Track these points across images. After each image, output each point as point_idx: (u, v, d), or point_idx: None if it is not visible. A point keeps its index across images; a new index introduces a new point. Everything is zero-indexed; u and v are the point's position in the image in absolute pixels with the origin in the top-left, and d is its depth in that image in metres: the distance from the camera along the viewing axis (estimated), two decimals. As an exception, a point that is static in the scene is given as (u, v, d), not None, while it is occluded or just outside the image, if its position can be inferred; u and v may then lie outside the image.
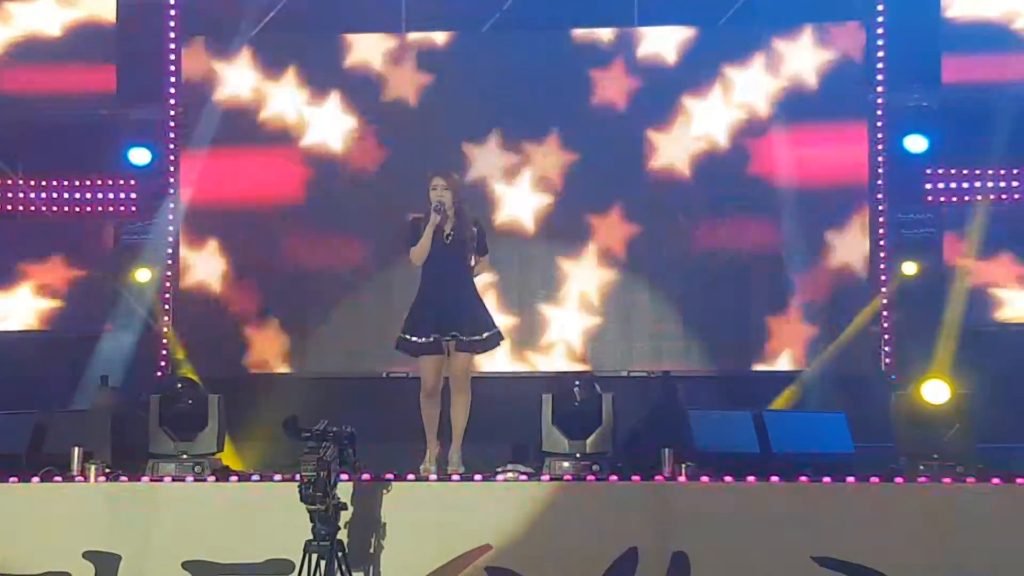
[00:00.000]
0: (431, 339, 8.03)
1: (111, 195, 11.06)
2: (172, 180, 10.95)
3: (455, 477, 7.68)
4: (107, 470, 7.80)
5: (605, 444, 8.11)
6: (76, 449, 7.91)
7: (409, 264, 8.22)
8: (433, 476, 7.72)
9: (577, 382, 8.34)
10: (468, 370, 8.13)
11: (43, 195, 11.05)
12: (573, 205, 10.74)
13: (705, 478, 7.56)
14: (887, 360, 10.41)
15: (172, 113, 10.99)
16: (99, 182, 11.07)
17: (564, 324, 10.67)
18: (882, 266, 10.49)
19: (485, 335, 8.12)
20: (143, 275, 10.82)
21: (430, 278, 8.16)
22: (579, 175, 10.74)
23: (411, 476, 7.63)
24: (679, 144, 10.69)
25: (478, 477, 7.65)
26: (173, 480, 7.78)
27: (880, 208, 10.54)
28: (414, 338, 8.07)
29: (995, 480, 7.45)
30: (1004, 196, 10.53)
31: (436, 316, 8.06)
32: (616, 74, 10.78)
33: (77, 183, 11.08)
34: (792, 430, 8.50)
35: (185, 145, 10.93)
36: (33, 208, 11.07)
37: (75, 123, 10.94)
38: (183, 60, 11.03)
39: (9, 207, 11.10)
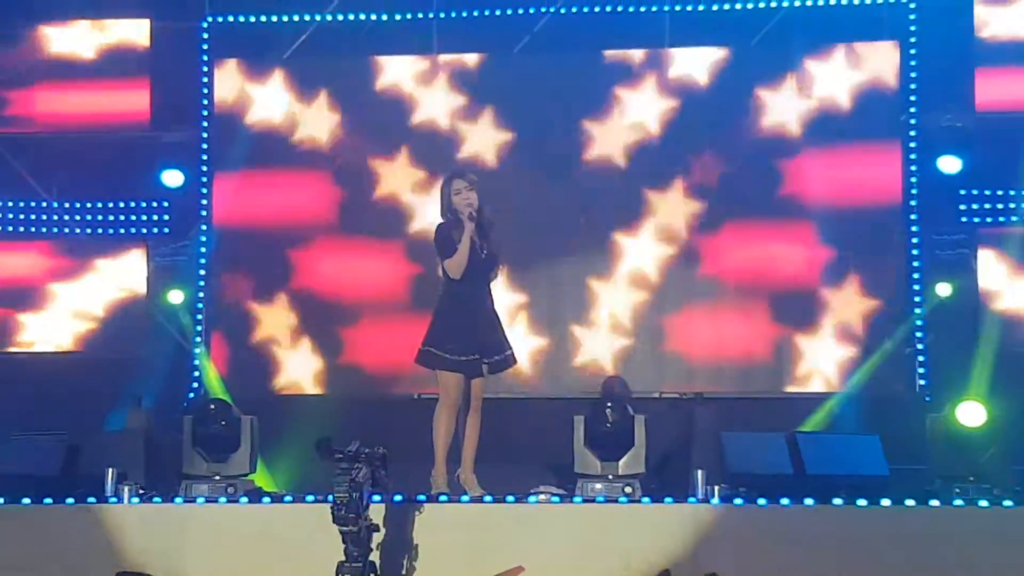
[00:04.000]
0: (466, 358, 7.71)
1: (144, 217, 11.13)
2: (205, 202, 11.01)
3: (487, 499, 7.65)
4: (141, 491, 7.82)
5: (637, 466, 8.06)
6: (110, 470, 7.93)
7: (438, 281, 7.97)
8: (466, 498, 7.70)
9: (609, 404, 8.30)
10: (483, 391, 7.92)
11: (77, 217, 11.13)
12: (604, 225, 10.73)
13: (738, 500, 7.52)
14: (922, 382, 10.34)
15: (205, 135, 11.05)
16: (132, 204, 11.13)
17: (595, 345, 10.66)
18: (916, 287, 10.43)
19: (503, 356, 7.89)
20: (176, 297, 10.89)
21: (464, 294, 7.75)
22: (610, 196, 10.74)
23: (443, 497, 7.61)
24: (710, 165, 10.66)
25: (510, 499, 7.61)
26: (206, 501, 7.80)
27: (914, 229, 10.49)
28: (447, 354, 7.70)
29: (1032, 502, 7.41)
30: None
31: (472, 336, 7.74)
32: (648, 95, 10.79)
33: (111, 205, 11.14)
34: (826, 452, 8.42)
35: (218, 167, 10.99)
36: (67, 230, 11.14)
37: (108, 145, 11.03)
38: (216, 83, 11.10)
39: (44, 229, 11.17)
